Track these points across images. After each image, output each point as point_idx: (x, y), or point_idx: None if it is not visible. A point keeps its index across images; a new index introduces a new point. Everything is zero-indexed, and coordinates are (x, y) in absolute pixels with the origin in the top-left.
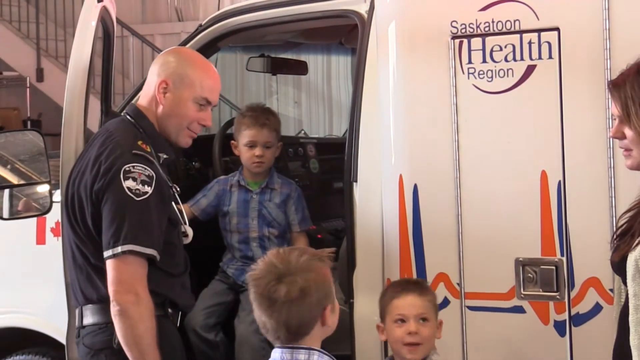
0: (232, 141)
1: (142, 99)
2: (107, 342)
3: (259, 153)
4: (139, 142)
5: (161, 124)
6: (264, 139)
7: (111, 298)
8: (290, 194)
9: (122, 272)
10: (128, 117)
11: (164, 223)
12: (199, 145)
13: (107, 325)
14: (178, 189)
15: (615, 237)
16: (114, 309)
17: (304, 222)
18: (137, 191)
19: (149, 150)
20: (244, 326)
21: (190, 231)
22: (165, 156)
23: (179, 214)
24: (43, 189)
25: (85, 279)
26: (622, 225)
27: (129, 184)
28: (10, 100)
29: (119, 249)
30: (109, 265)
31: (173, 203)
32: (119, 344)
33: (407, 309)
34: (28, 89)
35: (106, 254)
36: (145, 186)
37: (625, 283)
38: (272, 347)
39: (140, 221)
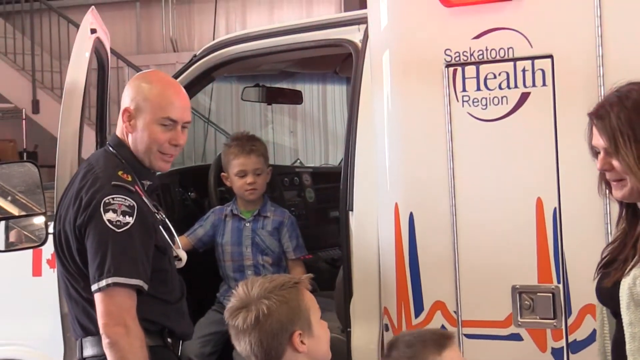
0: (223, 173)
1: (118, 129)
2: None
3: (250, 180)
4: (119, 173)
5: (134, 151)
6: (253, 166)
7: (101, 331)
8: (284, 221)
9: (109, 304)
10: (110, 147)
11: (150, 251)
12: (194, 176)
13: (105, 357)
14: (163, 216)
15: (600, 267)
16: (104, 341)
17: (299, 249)
18: (118, 223)
19: (129, 179)
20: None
21: (183, 255)
22: (149, 183)
23: (168, 239)
24: (39, 220)
25: (81, 312)
26: (606, 257)
27: (109, 216)
28: (6, 132)
29: (104, 282)
30: (97, 298)
31: (161, 228)
32: None
33: (460, 357)
34: (24, 121)
35: (93, 287)
36: (127, 217)
37: (614, 312)
38: None
39: (123, 252)
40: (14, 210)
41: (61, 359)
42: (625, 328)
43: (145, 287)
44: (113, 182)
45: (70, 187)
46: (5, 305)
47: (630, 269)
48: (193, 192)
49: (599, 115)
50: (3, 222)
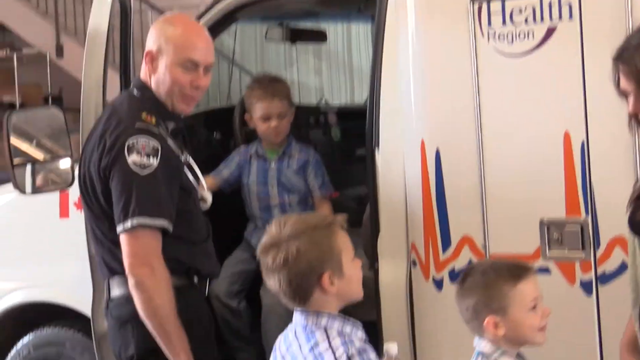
0: (246, 114)
1: (142, 71)
2: (134, 313)
3: (274, 124)
4: (143, 115)
5: (157, 93)
6: (277, 110)
7: (127, 272)
8: (309, 159)
9: (135, 245)
10: (134, 90)
11: (175, 192)
12: (219, 117)
13: (132, 297)
14: (189, 157)
15: (633, 199)
16: (130, 282)
17: (325, 187)
18: (143, 164)
19: (153, 122)
20: (270, 296)
21: (208, 196)
22: (173, 125)
23: (194, 181)
24: (65, 163)
25: (108, 253)
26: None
27: (133, 158)
28: (31, 77)
29: (129, 224)
30: (122, 239)
31: (186, 170)
32: None
33: (537, 290)
34: (48, 66)
35: (118, 229)
36: (151, 159)
37: None
38: None
39: (147, 194)
40: (40, 155)
41: (90, 300)
42: None
43: (170, 227)
44: (137, 125)
45: (94, 130)
46: (33, 247)
47: None
48: (218, 133)
49: (624, 60)
50: (30, 166)
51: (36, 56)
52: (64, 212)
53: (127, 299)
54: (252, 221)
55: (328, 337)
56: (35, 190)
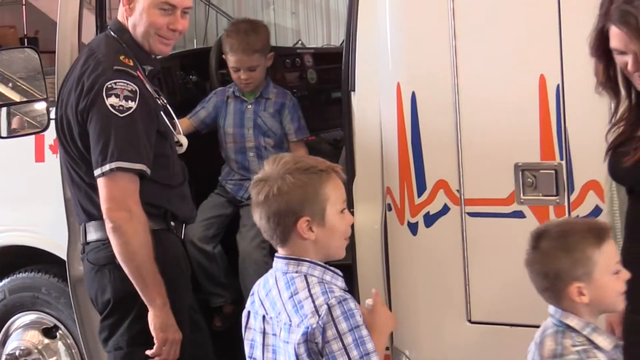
0: (223, 55)
1: (119, 13)
2: (110, 258)
3: (244, 77)
4: (121, 57)
5: (134, 35)
6: (247, 64)
7: (104, 216)
8: (285, 102)
9: (113, 189)
10: (111, 32)
11: (153, 136)
12: (195, 59)
13: (109, 241)
14: (164, 101)
15: (612, 147)
16: (107, 226)
17: (300, 131)
18: (121, 107)
19: (131, 64)
20: (246, 242)
21: (184, 140)
22: (150, 68)
23: (169, 125)
24: (40, 106)
25: (84, 197)
26: (619, 137)
27: (112, 101)
28: (6, 18)
29: (107, 167)
30: (100, 183)
31: (163, 114)
32: None
33: (618, 253)
34: (24, 7)
35: (96, 172)
36: (129, 101)
37: (630, 189)
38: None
39: (126, 137)
40: (15, 97)
41: (65, 243)
42: None
43: (148, 171)
44: (115, 67)
45: (71, 72)
46: (9, 191)
47: None
48: (194, 75)
49: (625, 21)
50: (4, 109)
51: None
52: (39, 156)
53: (104, 243)
54: (226, 164)
55: (308, 285)
56: (11, 133)
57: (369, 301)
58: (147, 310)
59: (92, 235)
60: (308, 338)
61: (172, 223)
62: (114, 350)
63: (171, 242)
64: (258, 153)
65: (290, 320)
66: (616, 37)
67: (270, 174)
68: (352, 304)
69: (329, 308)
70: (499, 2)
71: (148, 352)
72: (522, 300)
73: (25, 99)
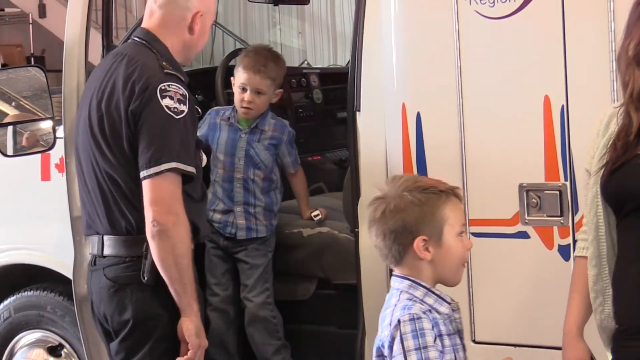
0: (232, 77)
1: (159, 27)
2: (135, 278)
3: (248, 98)
4: (164, 63)
5: (183, 49)
6: (256, 85)
7: (151, 218)
8: (282, 138)
9: (163, 191)
10: (142, 40)
11: (195, 143)
12: (202, 78)
13: (132, 259)
14: (199, 111)
15: (611, 169)
16: (153, 229)
17: (296, 162)
18: (175, 109)
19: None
20: (252, 303)
21: (203, 155)
22: (183, 77)
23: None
24: (46, 125)
25: (113, 207)
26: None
27: (166, 102)
28: (13, 37)
29: (162, 167)
30: (148, 185)
31: None
32: (149, 278)
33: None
34: (31, 26)
35: (146, 172)
36: (182, 105)
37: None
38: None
39: (181, 139)
40: (22, 116)
41: (71, 262)
42: None
43: (195, 176)
44: (165, 70)
45: (106, 76)
46: (15, 210)
47: None
48: (200, 94)
49: None
50: (11, 128)
51: (19, 16)
52: (45, 175)
53: (126, 261)
54: (212, 188)
55: (398, 301)
56: (17, 152)
57: None
58: (168, 332)
59: (111, 249)
60: (380, 351)
61: (194, 244)
62: None
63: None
64: (245, 185)
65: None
66: None
67: (388, 192)
68: (426, 323)
69: (399, 323)
70: (503, 24)
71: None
72: (526, 321)
73: (31, 118)
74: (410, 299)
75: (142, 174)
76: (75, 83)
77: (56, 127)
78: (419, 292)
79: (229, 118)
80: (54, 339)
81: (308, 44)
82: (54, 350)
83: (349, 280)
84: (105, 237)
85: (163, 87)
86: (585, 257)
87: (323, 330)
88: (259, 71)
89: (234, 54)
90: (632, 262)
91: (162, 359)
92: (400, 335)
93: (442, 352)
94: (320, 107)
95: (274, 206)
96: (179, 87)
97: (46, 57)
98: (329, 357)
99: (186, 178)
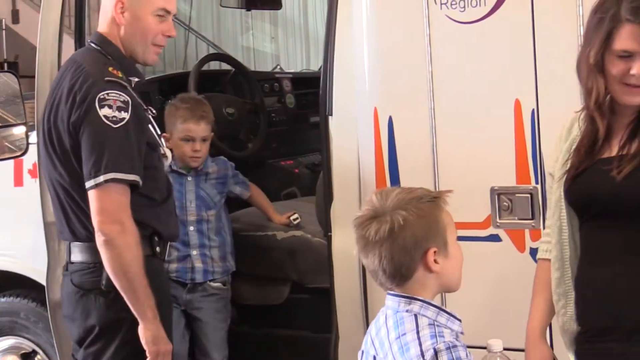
0: (164, 134)
1: (102, 25)
2: (96, 283)
3: (197, 148)
4: (110, 69)
5: (126, 45)
6: (202, 133)
7: (96, 229)
8: (228, 174)
9: (106, 201)
10: (93, 45)
11: (143, 147)
12: (174, 83)
13: (95, 265)
14: (154, 112)
15: (574, 174)
16: (99, 239)
17: (246, 184)
18: (114, 118)
19: (120, 75)
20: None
21: (169, 153)
22: (136, 79)
23: (156, 137)
24: (19, 130)
25: (71, 216)
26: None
27: (105, 111)
28: None
29: (101, 178)
30: (92, 195)
31: (150, 126)
32: (106, 285)
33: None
34: (4, 31)
35: (88, 184)
36: (122, 112)
37: (610, 209)
38: None
39: (120, 148)
40: None
41: (44, 268)
42: None
43: (140, 183)
44: (106, 78)
45: (57, 86)
46: None
47: None
48: (173, 99)
49: None
50: None
51: None
52: (18, 181)
53: (89, 267)
54: None
55: (417, 326)
56: None
57: (493, 343)
58: (131, 336)
59: (77, 256)
60: None
61: (158, 248)
62: None
63: (155, 268)
64: (199, 228)
65: None
66: (631, 35)
67: (382, 209)
68: (462, 352)
69: (436, 353)
70: (474, 28)
71: None
72: (497, 323)
73: (3, 124)
74: (433, 324)
75: (86, 185)
76: (48, 88)
77: (29, 133)
78: (430, 313)
79: (170, 166)
80: (28, 346)
81: (281, 48)
82: (27, 356)
83: (322, 283)
84: (72, 244)
85: (102, 97)
86: (548, 260)
87: (297, 335)
88: (202, 118)
89: (207, 59)
90: (594, 265)
91: None
92: None
93: None
94: (293, 112)
95: (227, 246)
96: (120, 95)
97: (19, 63)
98: None
99: (146, 179)
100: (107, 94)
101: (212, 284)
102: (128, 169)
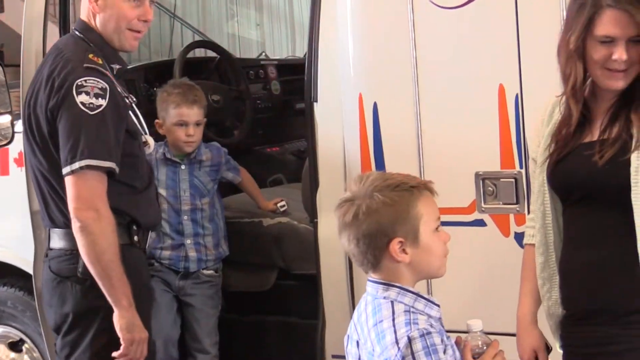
0: (157, 120)
1: (83, 13)
2: (73, 270)
3: (191, 132)
4: (90, 55)
5: (103, 32)
6: (195, 117)
7: (72, 215)
8: (221, 161)
9: (81, 188)
10: (76, 32)
11: (122, 135)
12: (160, 71)
13: (72, 252)
14: (134, 99)
15: (557, 159)
16: (74, 225)
17: (237, 170)
18: (91, 105)
19: (100, 62)
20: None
21: (151, 140)
22: (118, 66)
23: (137, 125)
24: (4, 119)
25: (51, 203)
26: (566, 138)
27: (82, 98)
28: None
29: (77, 165)
30: (68, 182)
31: (131, 113)
32: (82, 272)
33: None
34: None
35: (64, 170)
36: (99, 99)
37: (593, 194)
38: None
39: (97, 135)
40: None
41: (31, 257)
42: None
43: (117, 169)
44: (85, 65)
45: (39, 73)
46: None
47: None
48: (159, 86)
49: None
50: None
51: None
52: (4, 170)
53: (67, 253)
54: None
55: (393, 314)
56: None
57: (473, 322)
58: (107, 325)
59: (56, 242)
60: None
61: (136, 237)
62: None
63: (134, 257)
64: (193, 217)
65: (374, 349)
66: (612, 20)
67: (357, 193)
68: (436, 338)
69: (410, 340)
70: (457, 13)
71: (115, 354)
72: (482, 307)
73: None
74: (408, 311)
75: (63, 171)
76: (33, 77)
77: (14, 122)
78: (407, 299)
79: (164, 154)
80: (15, 334)
81: (266, 35)
82: (14, 345)
83: (308, 270)
84: (51, 231)
85: (80, 83)
86: (534, 245)
87: (285, 321)
88: (195, 102)
89: (192, 46)
90: (578, 249)
91: (103, 353)
92: (413, 354)
93: (453, 356)
94: (278, 99)
95: (220, 232)
96: (98, 82)
97: (4, 52)
98: (291, 348)
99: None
100: (85, 80)
101: (204, 271)
102: (104, 156)
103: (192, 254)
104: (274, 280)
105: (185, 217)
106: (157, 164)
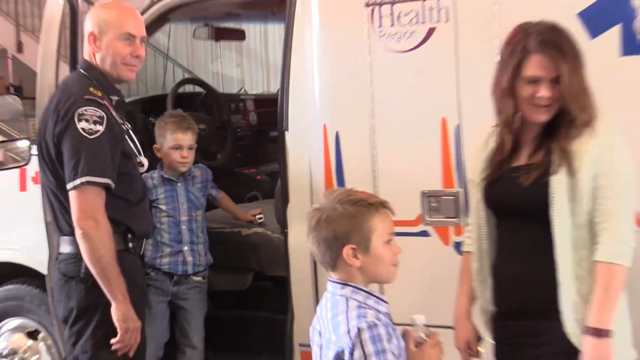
0: (155, 145)
1: (85, 53)
2: (77, 271)
3: (185, 154)
4: (91, 89)
5: (103, 68)
6: (189, 142)
7: (75, 224)
8: (208, 178)
9: (82, 201)
10: (81, 70)
11: (117, 156)
12: (155, 104)
13: (76, 256)
14: (130, 126)
15: (490, 181)
16: (77, 233)
17: (218, 190)
18: (90, 130)
19: (100, 94)
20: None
21: (145, 161)
22: (116, 98)
23: (133, 147)
24: (23, 144)
25: (59, 215)
26: (496, 169)
27: (82, 125)
28: None
29: (78, 181)
30: (71, 196)
31: (127, 137)
32: (84, 273)
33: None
34: (10, 60)
35: (68, 186)
36: (97, 125)
37: (522, 212)
38: None
39: (95, 156)
40: (2, 136)
41: (45, 259)
42: (557, 227)
43: (113, 185)
44: (86, 97)
45: (49, 105)
46: None
47: (559, 167)
48: (154, 117)
49: (550, 46)
50: None
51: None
52: (23, 186)
53: (73, 257)
54: (156, 236)
55: (347, 308)
56: None
57: (416, 317)
58: (107, 318)
59: (65, 248)
60: (340, 356)
61: (131, 244)
62: (81, 353)
63: (129, 262)
64: (190, 227)
65: (331, 338)
66: (537, 64)
67: (324, 204)
68: (382, 330)
69: (359, 331)
70: (407, 56)
71: (113, 341)
72: (425, 304)
73: (10, 138)
74: (360, 306)
75: (67, 187)
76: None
77: (32, 146)
78: (360, 297)
79: (161, 176)
80: (32, 325)
81: (245, 73)
82: (32, 334)
83: (280, 273)
84: (60, 238)
85: (80, 112)
86: (471, 252)
87: (259, 316)
88: (188, 129)
89: (183, 82)
90: (510, 256)
91: (103, 341)
92: (361, 342)
93: (398, 345)
94: (255, 128)
95: (206, 243)
96: (96, 110)
97: (24, 87)
98: (265, 338)
99: (121, 183)
100: (85, 110)
101: (194, 277)
102: (102, 174)
103: (189, 258)
104: (251, 281)
105: (184, 227)
106: (155, 186)
